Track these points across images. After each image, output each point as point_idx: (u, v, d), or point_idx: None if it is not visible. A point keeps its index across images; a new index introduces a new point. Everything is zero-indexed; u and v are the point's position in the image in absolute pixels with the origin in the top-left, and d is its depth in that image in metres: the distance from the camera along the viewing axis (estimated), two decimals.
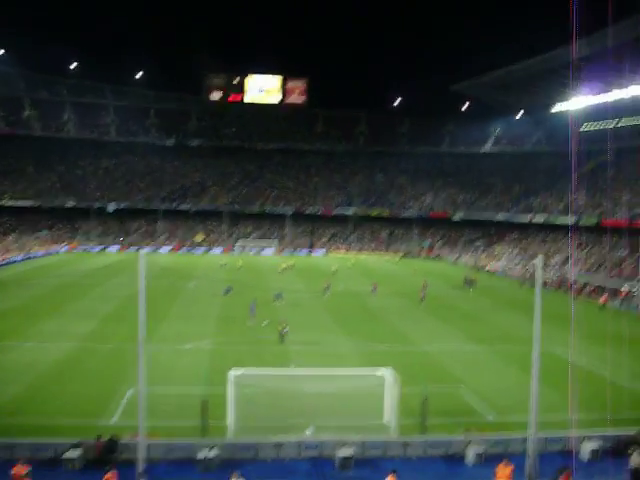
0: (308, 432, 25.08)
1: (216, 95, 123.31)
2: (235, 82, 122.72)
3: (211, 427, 24.73)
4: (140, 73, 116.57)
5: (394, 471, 20.17)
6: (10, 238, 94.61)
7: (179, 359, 36.66)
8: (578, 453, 24.35)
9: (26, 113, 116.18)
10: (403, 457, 24.16)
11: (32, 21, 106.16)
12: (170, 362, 35.51)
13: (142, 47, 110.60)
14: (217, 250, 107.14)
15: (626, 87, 72.66)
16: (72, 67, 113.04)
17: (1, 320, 45.59)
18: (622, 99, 74.16)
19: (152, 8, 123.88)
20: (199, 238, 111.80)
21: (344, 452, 23.31)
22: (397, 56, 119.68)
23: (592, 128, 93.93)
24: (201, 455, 22.76)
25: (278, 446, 23.93)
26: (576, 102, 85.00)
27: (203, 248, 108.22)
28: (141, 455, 18.71)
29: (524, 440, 22.33)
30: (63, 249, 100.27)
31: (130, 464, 20.26)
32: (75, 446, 22.77)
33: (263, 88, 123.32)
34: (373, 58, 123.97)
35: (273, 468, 23.23)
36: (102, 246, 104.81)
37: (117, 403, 28.37)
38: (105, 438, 22.97)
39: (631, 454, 21.94)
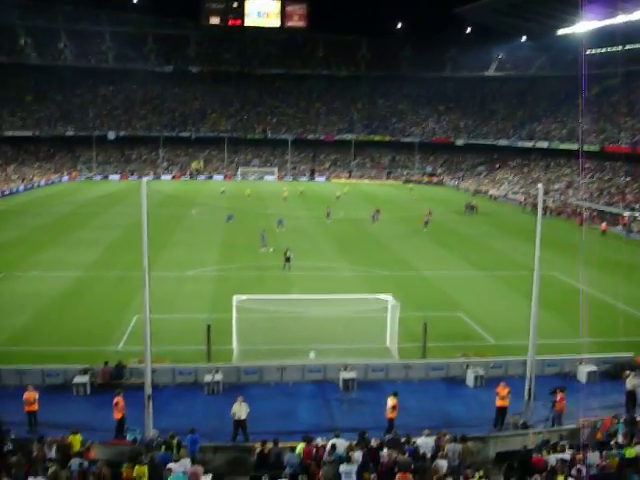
0: (312, 356, 25.56)
1: (215, 19, 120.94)
2: (234, 6, 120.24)
3: (216, 352, 25.19)
4: None
5: (395, 393, 20.64)
6: (11, 168, 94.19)
7: (183, 286, 37.08)
8: (576, 375, 24.89)
9: (21, 41, 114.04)
10: (405, 380, 24.70)
11: None
12: (174, 289, 35.96)
13: None
14: (218, 177, 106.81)
15: (635, 10, 70.36)
16: None
17: (5, 250, 45.90)
18: (630, 21, 71.87)
19: None
20: (196, 165, 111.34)
21: (347, 375, 23.81)
22: None
23: (598, 52, 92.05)
24: (206, 379, 23.29)
25: (282, 369, 24.43)
26: (582, 25, 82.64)
27: (205, 175, 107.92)
28: (147, 380, 19.10)
29: (523, 363, 22.74)
30: (64, 178, 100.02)
31: (137, 388, 20.70)
32: (84, 372, 23.34)
33: (262, 12, 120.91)
34: None
35: (277, 391, 23.76)
36: (103, 174, 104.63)
37: (123, 329, 28.83)
38: (112, 364, 23.50)
39: (626, 377, 22.38)
